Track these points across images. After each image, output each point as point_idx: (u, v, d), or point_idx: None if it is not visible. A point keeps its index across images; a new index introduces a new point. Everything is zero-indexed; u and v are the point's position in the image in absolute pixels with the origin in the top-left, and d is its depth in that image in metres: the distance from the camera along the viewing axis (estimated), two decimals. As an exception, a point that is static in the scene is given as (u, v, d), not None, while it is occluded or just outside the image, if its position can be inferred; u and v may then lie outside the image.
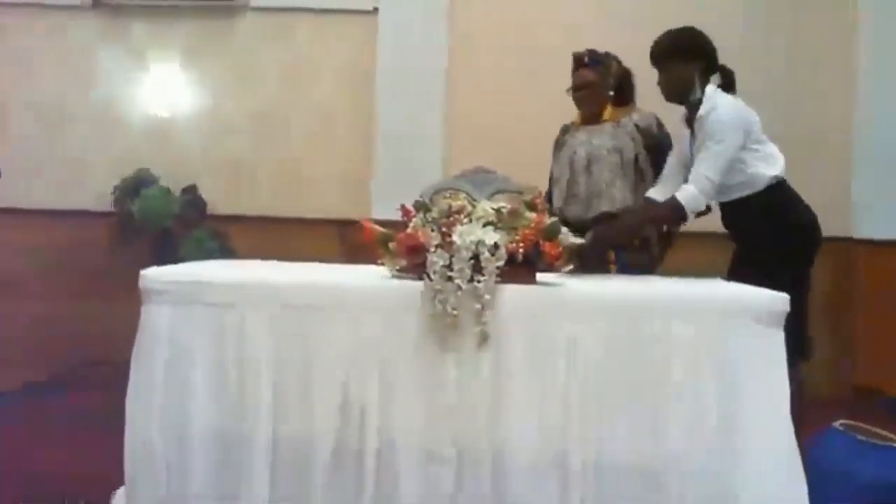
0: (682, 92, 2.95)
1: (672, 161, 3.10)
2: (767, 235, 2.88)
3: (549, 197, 3.26)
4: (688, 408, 2.16)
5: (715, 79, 2.99)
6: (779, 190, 2.90)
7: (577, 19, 4.60)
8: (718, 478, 2.15)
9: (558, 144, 3.37)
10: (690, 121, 2.97)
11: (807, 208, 2.95)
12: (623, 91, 3.26)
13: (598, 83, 3.22)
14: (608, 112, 3.24)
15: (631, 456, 2.15)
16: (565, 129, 3.38)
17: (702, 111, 2.87)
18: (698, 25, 3.03)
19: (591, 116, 3.25)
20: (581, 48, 3.35)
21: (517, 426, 2.16)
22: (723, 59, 2.99)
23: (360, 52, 4.75)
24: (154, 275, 2.32)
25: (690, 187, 2.82)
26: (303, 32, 4.84)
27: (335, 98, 4.85)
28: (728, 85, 2.99)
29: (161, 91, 4.91)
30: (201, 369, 2.23)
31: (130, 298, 2.35)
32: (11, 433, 3.57)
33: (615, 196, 3.12)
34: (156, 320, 2.26)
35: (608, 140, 3.17)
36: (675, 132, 3.10)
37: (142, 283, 2.30)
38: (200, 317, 2.25)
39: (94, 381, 4.02)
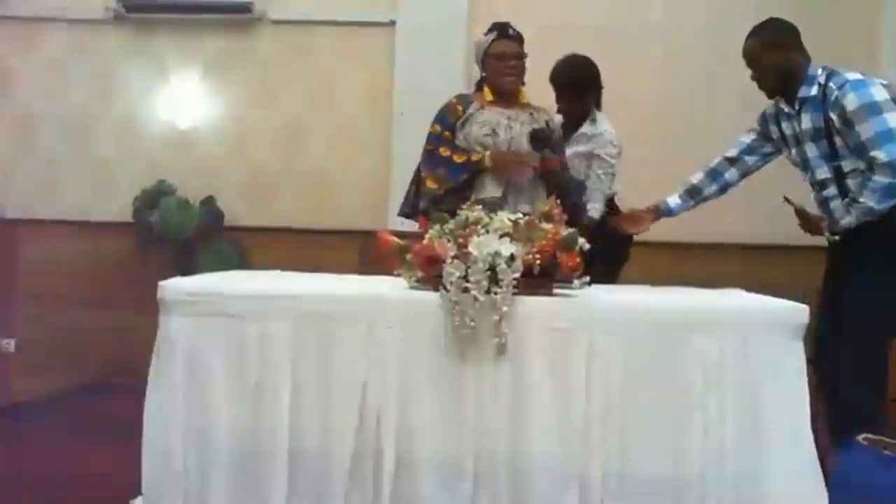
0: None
1: None
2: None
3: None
4: (709, 419, 2.14)
5: None
6: None
7: (600, 30, 4.61)
8: (739, 489, 2.13)
9: (456, 115, 3.00)
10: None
11: None
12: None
13: (523, 56, 3.03)
14: (521, 94, 3.06)
15: (652, 468, 2.14)
16: (467, 102, 3.03)
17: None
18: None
19: (508, 95, 3.00)
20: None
21: (536, 438, 2.15)
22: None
23: (379, 64, 4.77)
24: (173, 286, 2.34)
25: None
26: (322, 45, 4.86)
27: (355, 110, 4.86)
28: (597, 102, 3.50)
29: (183, 104, 4.95)
30: (220, 380, 2.24)
31: (151, 309, 2.36)
32: (34, 439, 3.61)
33: (534, 195, 2.92)
34: (175, 331, 2.27)
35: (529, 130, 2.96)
36: None
37: (160, 295, 2.32)
38: (219, 328, 2.27)
39: (114, 390, 4.05)
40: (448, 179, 2.89)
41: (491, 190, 2.89)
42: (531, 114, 3.05)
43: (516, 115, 3.01)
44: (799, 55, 2.95)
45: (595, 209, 3.32)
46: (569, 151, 3.33)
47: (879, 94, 2.76)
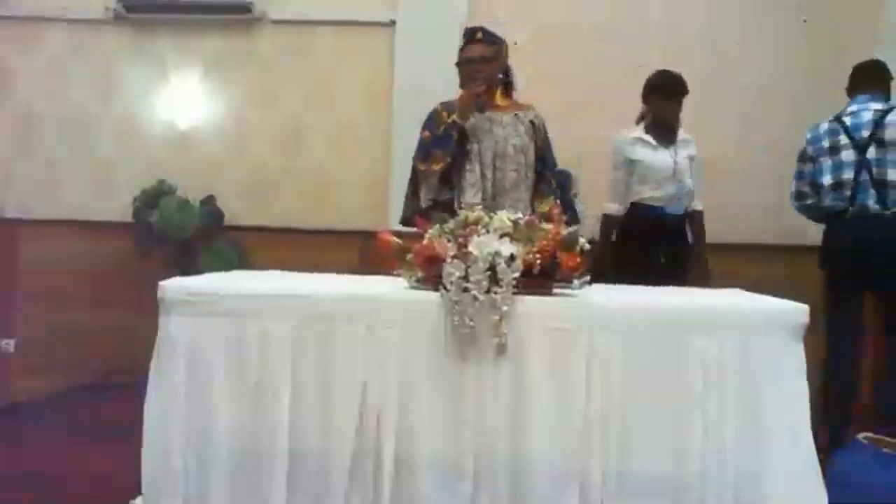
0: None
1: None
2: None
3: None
4: (709, 419, 2.14)
5: None
6: None
7: (600, 30, 4.62)
8: (739, 489, 2.13)
9: (442, 121, 3.01)
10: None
11: None
12: (508, 82, 3.14)
13: (493, 59, 3.02)
14: (500, 98, 3.07)
15: (652, 468, 2.14)
16: (452, 109, 3.02)
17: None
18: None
19: (480, 98, 2.98)
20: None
21: (536, 438, 2.15)
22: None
23: (379, 63, 4.78)
24: (173, 286, 2.34)
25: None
26: (322, 44, 4.87)
27: (355, 109, 4.86)
28: None
29: (183, 104, 4.96)
30: (220, 380, 2.24)
31: (151, 309, 2.36)
32: (34, 439, 3.61)
33: (521, 199, 3.00)
34: (175, 331, 2.27)
35: (512, 134, 3.02)
36: None
37: (161, 295, 2.31)
38: (219, 328, 2.26)
39: (114, 390, 4.05)
40: (443, 151, 2.95)
41: (469, 196, 2.93)
42: (516, 115, 3.05)
43: (500, 117, 3.01)
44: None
45: (699, 203, 3.82)
46: (684, 154, 3.71)
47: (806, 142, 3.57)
